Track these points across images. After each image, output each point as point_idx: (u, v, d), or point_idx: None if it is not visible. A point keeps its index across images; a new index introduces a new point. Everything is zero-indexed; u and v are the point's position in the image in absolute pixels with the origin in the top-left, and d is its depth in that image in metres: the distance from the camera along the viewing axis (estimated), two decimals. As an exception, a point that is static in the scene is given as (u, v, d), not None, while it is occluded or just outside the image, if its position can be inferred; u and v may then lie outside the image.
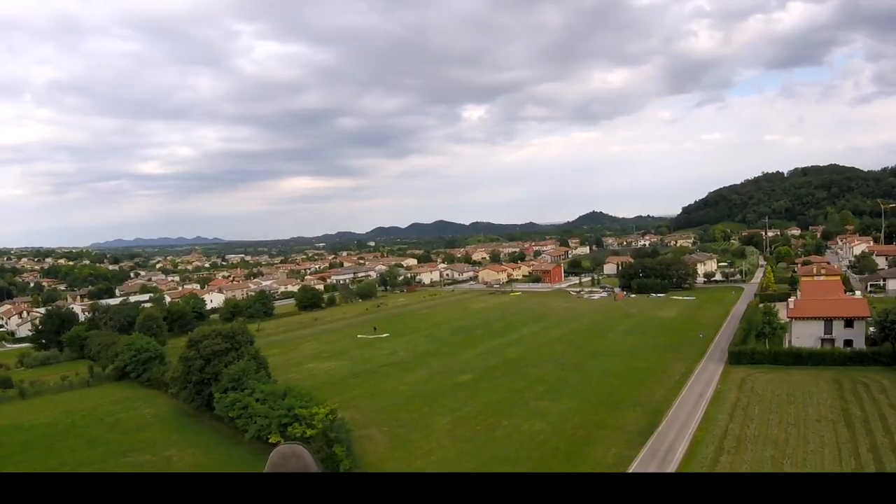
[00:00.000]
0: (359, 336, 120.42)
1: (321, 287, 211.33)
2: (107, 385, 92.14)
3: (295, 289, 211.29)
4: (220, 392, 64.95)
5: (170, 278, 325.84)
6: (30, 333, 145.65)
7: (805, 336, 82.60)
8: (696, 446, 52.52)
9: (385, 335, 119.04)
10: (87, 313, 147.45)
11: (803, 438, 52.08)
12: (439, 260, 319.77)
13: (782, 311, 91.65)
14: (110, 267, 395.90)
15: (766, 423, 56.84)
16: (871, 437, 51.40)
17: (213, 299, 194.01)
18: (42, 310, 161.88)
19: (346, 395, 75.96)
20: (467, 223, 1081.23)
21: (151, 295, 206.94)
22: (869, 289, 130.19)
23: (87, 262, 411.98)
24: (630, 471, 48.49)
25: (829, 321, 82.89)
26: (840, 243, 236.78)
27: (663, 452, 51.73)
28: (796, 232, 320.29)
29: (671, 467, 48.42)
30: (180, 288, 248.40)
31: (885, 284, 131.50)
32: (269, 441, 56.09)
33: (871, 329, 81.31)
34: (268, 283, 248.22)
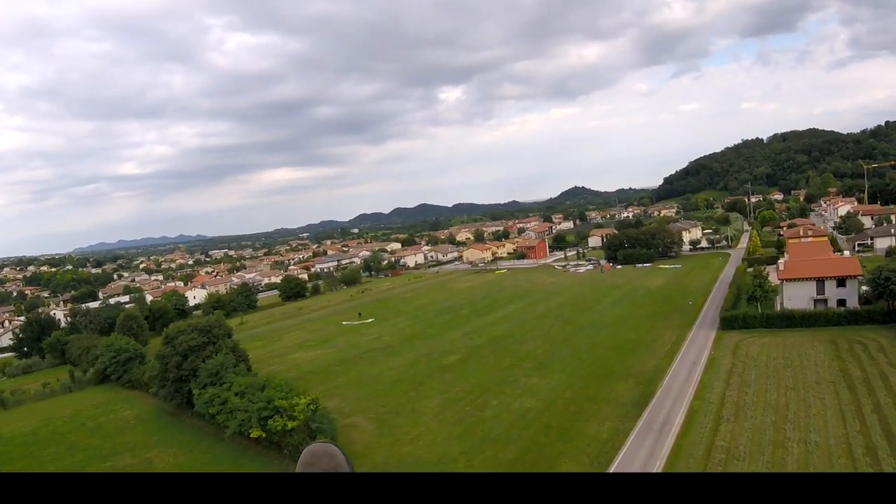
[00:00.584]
0: (344, 323, 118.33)
1: (305, 276, 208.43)
2: (88, 389, 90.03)
3: (279, 280, 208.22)
4: (198, 388, 62.71)
5: (153, 278, 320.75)
6: (11, 342, 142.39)
7: (797, 297, 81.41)
8: (693, 416, 50.87)
9: (370, 320, 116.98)
10: (67, 318, 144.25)
11: (804, 402, 50.46)
12: (423, 242, 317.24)
13: (772, 275, 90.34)
14: (93, 271, 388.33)
15: (763, 388, 55.30)
16: (873, 397, 49.88)
17: (196, 295, 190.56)
18: (24, 318, 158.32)
19: (330, 383, 74.06)
20: (450, 205, 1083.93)
21: (132, 295, 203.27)
22: (857, 248, 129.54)
23: (70, 267, 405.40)
24: (627, 444, 47.23)
25: (821, 281, 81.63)
26: (824, 205, 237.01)
27: (660, 424, 50.02)
28: (779, 197, 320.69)
29: (669, 439, 46.77)
30: (163, 286, 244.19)
31: (872, 243, 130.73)
32: (251, 436, 54.05)
33: (864, 288, 79.97)
34: (251, 275, 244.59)
